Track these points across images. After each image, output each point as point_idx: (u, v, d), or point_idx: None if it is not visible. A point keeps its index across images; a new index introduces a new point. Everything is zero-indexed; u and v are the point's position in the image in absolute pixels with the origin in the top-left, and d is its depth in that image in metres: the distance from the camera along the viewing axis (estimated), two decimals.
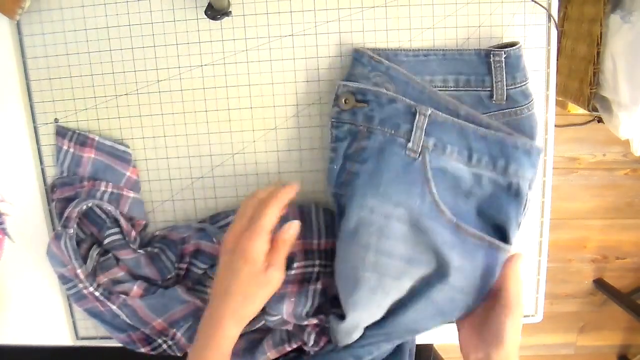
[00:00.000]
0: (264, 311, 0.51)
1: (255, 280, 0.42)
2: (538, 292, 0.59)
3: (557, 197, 1.37)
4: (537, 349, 1.65)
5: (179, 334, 0.54)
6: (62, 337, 0.61)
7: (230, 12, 0.49)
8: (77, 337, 0.61)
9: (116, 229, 0.53)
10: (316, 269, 0.51)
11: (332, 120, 0.49)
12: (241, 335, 0.45)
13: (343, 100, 0.48)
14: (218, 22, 0.51)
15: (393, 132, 0.47)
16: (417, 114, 0.46)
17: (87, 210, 0.53)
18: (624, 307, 1.43)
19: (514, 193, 0.46)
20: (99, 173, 0.54)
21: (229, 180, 0.56)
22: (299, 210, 0.52)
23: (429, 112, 0.46)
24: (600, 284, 1.56)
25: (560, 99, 1.09)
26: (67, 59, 0.53)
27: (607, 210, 1.51)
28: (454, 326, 0.60)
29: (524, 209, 0.47)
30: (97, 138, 0.54)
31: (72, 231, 0.52)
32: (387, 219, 0.45)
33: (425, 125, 0.46)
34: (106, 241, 0.53)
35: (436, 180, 0.46)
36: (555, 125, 0.55)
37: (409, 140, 0.46)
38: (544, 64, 0.53)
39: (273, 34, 0.52)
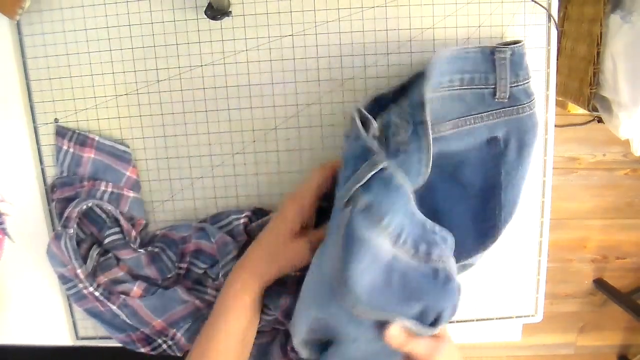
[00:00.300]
0: (263, 306, 0.51)
1: (283, 239, 0.44)
2: (538, 292, 0.59)
3: (557, 197, 1.37)
4: (537, 349, 1.65)
5: (178, 334, 0.54)
6: (62, 337, 0.61)
7: (230, 12, 0.49)
8: (77, 337, 0.61)
9: (116, 229, 0.53)
10: None
11: None
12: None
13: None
14: (218, 22, 0.51)
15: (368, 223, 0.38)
16: (369, 168, 0.39)
17: (87, 210, 0.53)
18: (624, 307, 1.43)
19: (442, 281, 0.41)
20: (99, 173, 0.54)
21: (229, 180, 0.56)
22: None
23: (383, 165, 0.38)
24: (600, 284, 1.56)
25: (560, 99, 1.09)
26: (67, 59, 0.53)
27: (607, 210, 1.51)
28: (453, 326, 0.60)
29: (458, 296, 0.42)
30: (97, 138, 0.54)
31: (72, 231, 0.52)
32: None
33: (368, 175, 0.39)
34: (106, 241, 0.53)
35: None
36: (555, 125, 0.55)
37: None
38: (544, 64, 0.53)
39: (273, 34, 0.52)
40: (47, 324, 0.61)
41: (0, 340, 0.62)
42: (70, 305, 0.60)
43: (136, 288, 0.53)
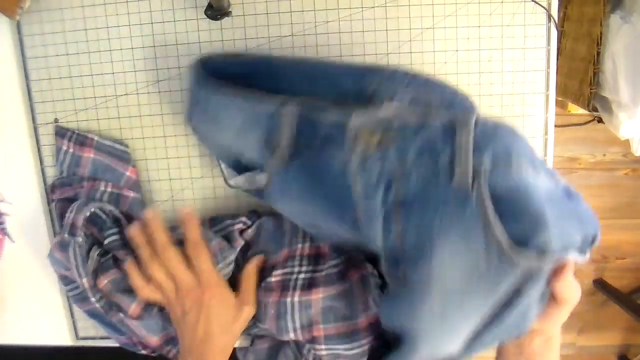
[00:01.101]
0: (255, 318, 0.51)
1: (231, 315, 0.48)
2: None
3: None
4: None
5: (174, 351, 0.54)
6: (62, 337, 0.61)
7: (230, 12, 0.49)
8: (77, 337, 0.61)
9: (116, 229, 0.53)
10: (294, 276, 0.50)
11: (357, 163, 0.38)
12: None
13: (363, 140, 0.38)
14: (218, 22, 0.51)
15: (434, 161, 0.36)
16: (457, 131, 0.35)
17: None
18: (624, 307, 1.43)
19: (575, 198, 0.38)
20: (98, 173, 0.54)
21: None
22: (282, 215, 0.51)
23: (474, 117, 0.35)
24: (600, 284, 1.56)
25: (560, 99, 1.09)
26: (67, 59, 0.53)
27: (607, 210, 1.51)
28: None
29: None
30: (96, 138, 0.54)
31: (80, 239, 0.51)
32: (450, 273, 0.36)
33: (470, 143, 0.34)
34: (106, 241, 0.53)
35: (504, 209, 0.34)
36: (555, 125, 0.55)
37: (453, 166, 0.35)
38: (544, 64, 0.53)
39: (273, 34, 0.52)
40: (47, 324, 0.61)
41: (0, 340, 0.62)
42: (70, 305, 0.60)
43: (135, 305, 0.52)
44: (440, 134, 0.36)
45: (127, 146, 0.55)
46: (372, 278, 0.48)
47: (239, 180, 0.49)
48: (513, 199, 0.33)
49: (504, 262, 0.33)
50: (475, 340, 0.40)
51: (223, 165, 0.50)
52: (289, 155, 0.41)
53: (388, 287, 0.42)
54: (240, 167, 0.49)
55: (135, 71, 0.53)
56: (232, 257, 0.50)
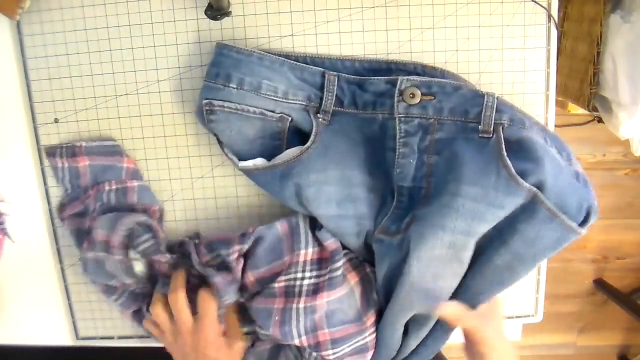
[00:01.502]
0: (255, 323, 0.51)
1: (226, 355, 0.49)
2: (538, 292, 0.59)
3: None
4: (537, 349, 1.65)
5: None
6: (62, 337, 0.61)
7: (230, 12, 0.49)
8: (77, 337, 0.61)
9: (149, 234, 0.51)
10: (299, 282, 0.49)
11: (400, 115, 0.48)
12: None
13: (409, 94, 0.48)
14: (218, 22, 0.51)
15: (463, 119, 0.47)
16: (485, 96, 0.47)
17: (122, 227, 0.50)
18: (624, 307, 1.43)
19: (583, 181, 0.48)
20: (98, 176, 0.54)
21: (229, 180, 0.56)
22: (287, 222, 0.51)
23: (492, 96, 0.47)
24: (600, 284, 1.56)
25: (560, 99, 1.09)
26: (67, 59, 0.53)
27: (608, 210, 1.51)
28: None
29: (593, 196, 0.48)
30: (83, 144, 0.53)
31: (119, 257, 0.50)
32: (464, 198, 0.45)
33: (495, 104, 0.47)
34: (139, 249, 0.50)
35: (513, 152, 0.45)
36: (555, 125, 0.55)
37: (479, 123, 0.47)
38: (544, 64, 0.53)
39: (273, 34, 0.52)
40: (47, 324, 0.61)
41: (0, 340, 0.62)
42: (70, 305, 0.60)
43: None
44: (470, 98, 0.47)
45: (114, 139, 0.55)
46: (373, 275, 0.51)
47: (255, 163, 0.49)
48: (522, 146, 0.45)
49: (509, 187, 0.44)
50: (486, 264, 0.48)
51: (230, 154, 0.51)
52: (332, 114, 0.49)
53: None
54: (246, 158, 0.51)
55: (135, 71, 0.53)
56: (236, 287, 0.49)
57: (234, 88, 0.47)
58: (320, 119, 0.49)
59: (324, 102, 0.49)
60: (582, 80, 0.97)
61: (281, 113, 0.48)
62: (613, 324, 1.62)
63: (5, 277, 0.60)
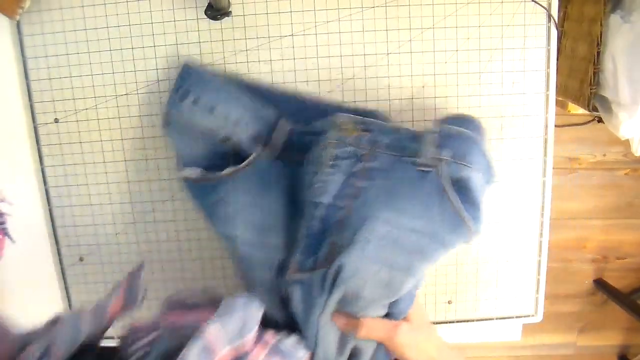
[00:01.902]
0: None
1: None
2: (538, 292, 0.59)
3: (557, 197, 1.37)
4: (537, 349, 1.65)
5: None
6: None
7: (230, 12, 0.49)
8: None
9: None
10: None
11: (332, 141, 0.46)
12: None
13: (345, 127, 0.46)
14: (218, 22, 0.51)
15: (400, 154, 0.45)
16: (425, 134, 0.44)
17: None
18: (624, 307, 1.43)
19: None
20: None
21: None
22: None
23: (439, 129, 0.44)
24: (600, 284, 1.56)
25: (560, 99, 1.09)
26: (67, 59, 0.53)
27: (607, 210, 1.51)
28: (454, 326, 0.60)
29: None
30: None
31: None
32: (407, 231, 0.42)
33: (437, 141, 0.44)
34: None
35: (459, 186, 0.43)
36: (555, 125, 0.55)
37: (418, 157, 0.44)
38: (544, 64, 0.53)
39: (273, 34, 0.52)
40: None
41: None
42: (70, 305, 0.60)
43: None
44: (408, 138, 0.45)
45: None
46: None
47: (192, 172, 0.50)
48: (462, 186, 0.43)
49: (454, 222, 0.42)
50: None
51: (178, 163, 0.52)
52: (276, 152, 0.49)
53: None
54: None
55: (135, 71, 0.53)
56: None
57: (188, 104, 0.48)
58: (262, 151, 0.49)
59: (272, 142, 0.49)
60: (582, 80, 0.97)
61: (228, 136, 0.49)
62: (613, 324, 1.62)
63: (5, 277, 0.60)
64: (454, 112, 0.54)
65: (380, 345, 0.47)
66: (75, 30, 0.53)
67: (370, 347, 0.47)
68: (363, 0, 0.51)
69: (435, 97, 0.54)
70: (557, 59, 0.53)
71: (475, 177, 0.43)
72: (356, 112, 0.49)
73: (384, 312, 0.46)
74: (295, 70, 0.53)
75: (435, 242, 0.43)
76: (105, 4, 0.52)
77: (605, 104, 0.94)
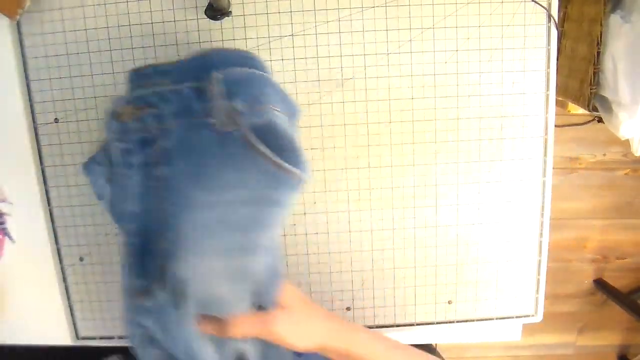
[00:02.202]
0: None
1: None
2: (538, 292, 0.59)
3: (557, 197, 1.37)
4: (537, 349, 1.65)
5: None
6: (62, 337, 0.61)
7: (230, 12, 0.49)
8: (77, 337, 0.61)
9: None
10: None
11: (115, 137, 0.41)
12: None
13: (120, 115, 0.40)
14: (218, 22, 0.51)
15: (192, 117, 0.39)
16: (210, 84, 0.38)
17: None
18: (624, 307, 1.43)
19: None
20: None
21: None
22: None
23: (220, 75, 0.38)
24: (600, 284, 1.56)
25: (560, 99, 1.09)
26: (67, 59, 0.53)
27: (607, 210, 1.51)
28: (454, 326, 0.60)
29: None
30: None
31: None
32: (226, 208, 0.37)
33: (224, 92, 0.38)
34: None
35: (265, 135, 0.37)
36: (555, 125, 0.55)
37: (211, 117, 0.38)
38: (544, 64, 0.53)
39: (273, 34, 0.52)
40: (47, 324, 0.61)
41: (1, 340, 0.62)
42: (70, 305, 0.60)
43: None
44: (193, 96, 0.39)
45: None
46: None
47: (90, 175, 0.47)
48: (271, 134, 0.38)
49: (278, 177, 0.37)
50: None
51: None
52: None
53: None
54: None
55: None
56: None
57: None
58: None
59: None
60: (582, 80, 0.97)
61: None
62: (613, 324, 1.62)
63: (5, 277, 0.60)
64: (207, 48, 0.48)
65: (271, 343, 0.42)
66: (75, 30, 0.53)
67: (253, 345, 0.42)
68: (363, 0, 0.51)
69: (435, 97, 0.54)
70: (557, 59, 0.53)
71: (279, 119, 0.39)
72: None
73: (251, 302, 0.41)
74: (295, 70, 0.53)
75: (267, 205, 0.38)
76: (105, 4, 0.52)
77: (605, 104, 0.94)
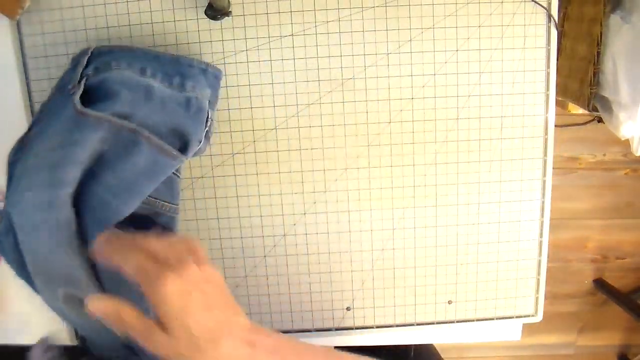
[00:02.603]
0: None
1: None
2: (538, 292, 0.59)
3: (557, 197, 1.37)
4: (537, 349, 1.65)
5: None
6: (62, 337, 0.61)
7: (230, 12, 0.49)
8: (77, 337, 0.61)
9: None
10: None
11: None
12: None
13: None
14: (218, 22, 0.51)
15: (64, 89, 0.47)
16: (80, 56, 0.47)
17: None
18: (624, 307, 1.43)
19: (194, 110, 0.47)
20: None
21: (229, 180, 0.56)
22: None
23: (92, 49, 0.48)
24: (600, 284, 1.56)
25: (560, 99, 1.09)
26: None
27: (607, 210, 1.51)
28: (454, 326, 0.60)
29: (206, 126, 0.49)
30: None
31: None
32: (37, 153, 0.44)
33: (85, 60, 0.47)
34: None
35: (94, 96, 0.45)
36: (555, 125, 0.55)
37: (69, 83, 0.46)
38: (544, 64, 0.53)
39: (273, 34, 0.52)
40: (47, 324, 0.61)
41: (0, 340, 0.62)
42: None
43: None
44: (69, 69, 0.48)
45: None
46: None
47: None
48: (100, 87, 0.45)
49: (78, 122, 0.43)
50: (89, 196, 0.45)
51: None
52: None
53: None
54: None
55: None
56: None
57: None
58: None
59: None
60: (582, 80, 0.97)
61: None
62: (613, 324, 1.62)
63: (5, 277, 0.60)
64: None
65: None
66: (75, 30, 0.53)
67: None
68: (363, 0, 0.51)
69: (435, 97, 0.54)
70: (557, 59, 0.53)
71: (115, 75, 0.45)
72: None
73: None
74: (295, 70, 0.53)
75: (68, 146, 0.43)
76: (105, 4, 0.52)
77: (605, 104, 0.94)
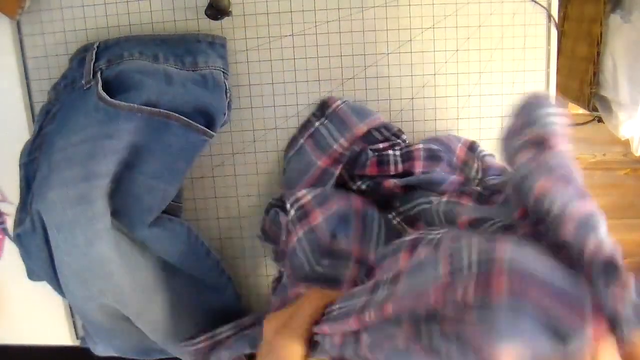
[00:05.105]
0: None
1: None
2: None
3: None
4: None
5: None
6: (62, 337, 0.61)
7: (230, 12, 0.49)
8: (77, 337, 0.61)
9: None
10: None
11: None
12: None
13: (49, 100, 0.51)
14: (218, 22, 0.51)
15: (73, 85, 0.49)
16: (87, 53, 0.49)
17: None
18: None
19: (212, 85, 0.48)
20: None
21: (229, 180, 0.56)
22: (362, 216, 0.45)
23: (97, 43, 0.49)
24: None
25: (560, 98, 1.09)
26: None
27: (608, 210, 1.51)
28: None
29: (227, 97, 0.49)
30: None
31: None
32: (72, 146, 0.44)
33: (94, 54, 0.48)
34: None
35: (115, 88, 0.46)
36: None
37: (83, 78, 0.47)
38: (544, 64, 0.53)
39: (273, 34, 0.52)
40: (47, 324, 0.61)
41: (1, 340, 0.62)
42: (70, 306, 0.60)
43: None
44: (76, 67, 0.50)
45: None
46: None
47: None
48: (119, 79, 0.46)
49: (109, 114, 0.44)
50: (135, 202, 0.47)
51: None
52: None
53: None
54: None
55: None
56: None
57: None
58: None
59: None
60: (582, 80, 0.97)
61: None
62: None
63: (5, 277, 0.60)
64: None
65: None
66: (75, 30, 0.53)
67: None
68: (363, 0, 0.51)
69: (435, 97, 0.54)
70: (557, 59, 0.53)
71: (131, 66, 0.46)
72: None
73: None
74: (295, 70, 0.53)
75: (102, 139, 0.44)
76: (105, 4, 0.52)
77: (605, 104, 0.94)
